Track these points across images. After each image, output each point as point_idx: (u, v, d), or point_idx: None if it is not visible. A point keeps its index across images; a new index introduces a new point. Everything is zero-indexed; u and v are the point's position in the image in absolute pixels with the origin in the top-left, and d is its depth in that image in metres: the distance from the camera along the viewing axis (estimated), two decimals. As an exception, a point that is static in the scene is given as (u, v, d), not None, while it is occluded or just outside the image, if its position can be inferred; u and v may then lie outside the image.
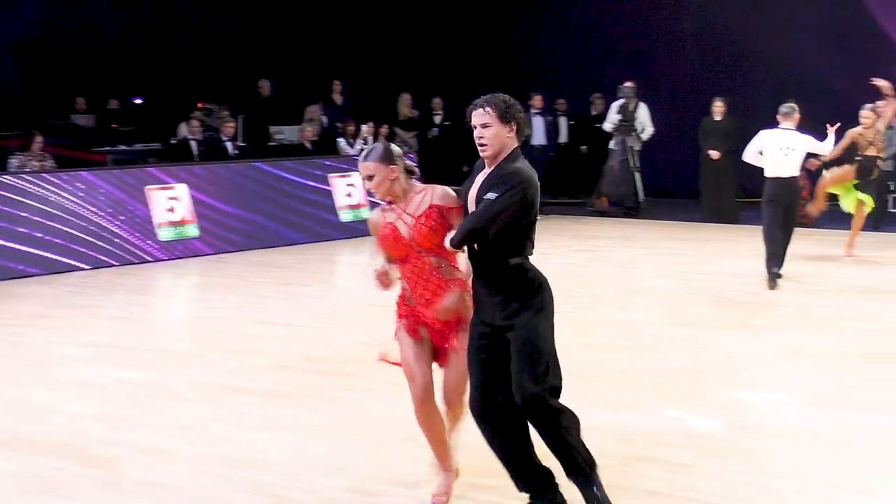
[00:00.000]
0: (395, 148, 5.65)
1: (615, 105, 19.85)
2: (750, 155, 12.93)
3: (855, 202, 14.60)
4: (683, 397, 7.84)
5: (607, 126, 19.91)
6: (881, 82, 14.49)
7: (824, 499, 6.00)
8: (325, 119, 19.97)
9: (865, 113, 14.41)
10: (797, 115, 12.69)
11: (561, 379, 5.39)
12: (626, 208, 19.99)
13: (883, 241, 16.03)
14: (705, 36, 21.50)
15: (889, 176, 16.39)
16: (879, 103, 15.04)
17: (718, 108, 18.85)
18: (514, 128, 5.40)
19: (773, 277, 12.22)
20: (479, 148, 5.40)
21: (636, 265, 14.18)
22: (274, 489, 6.08)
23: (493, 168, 5.38)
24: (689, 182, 19.90)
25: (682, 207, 19.95)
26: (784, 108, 12.78)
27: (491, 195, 5.22)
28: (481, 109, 5.38)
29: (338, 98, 20.53)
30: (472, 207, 5.43)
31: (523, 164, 5.39)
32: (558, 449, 5.38)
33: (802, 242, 13.59)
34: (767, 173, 12.59)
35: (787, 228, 12.69)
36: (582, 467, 5.39)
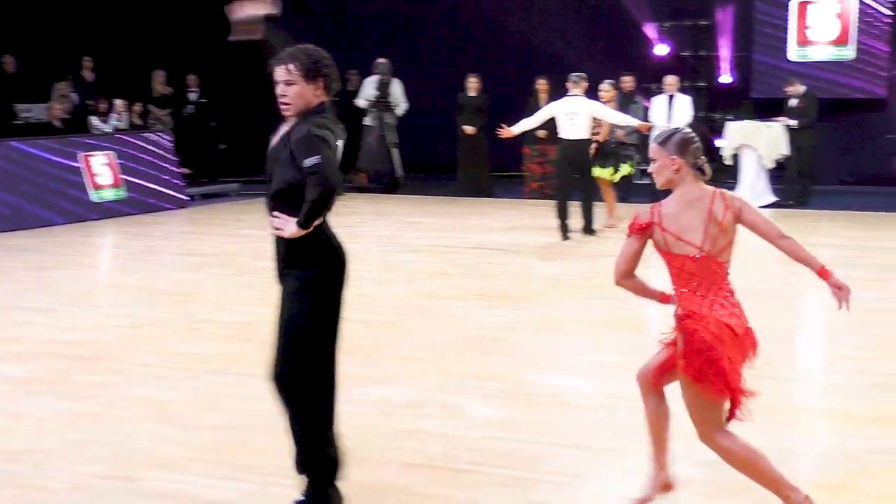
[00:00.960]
0: (692, 138, 4.98)
1: (370, 81, 19.93)
2: (528, 121, 14.20)
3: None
4: (442, 370, 7.85)
5: (362, 102, 19.96)
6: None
7: (573, 460, 6.05)
8: (75, 96, 19.31)
9: (605, 87, 15.06)
10: (584, 84, 14.00)
11: (314, 362, 5.09)
12: (385, 184, 20.17)
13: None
14: (460, 13, 21.90)
15: (633, 149, 17.02)
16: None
17: (473, 84, 19.20)
18: (322, 84, 5.14)
19: (563, 230, 13.83)
20: (281, 107, 5.18)
21: (394, 240, 14.26)
22: (26, 479, 5.73)
23: (297, 123, 5.12)
24: (446, 157, 20.17)
25: (440, 182, 20.22)
26: (573, 76, 14.07)
27: (311, 161, 4.88)
28: (283, 67, 5.13)
29: (88, 75, 19.82)
30: (268, 165, 5.26)
31: (327, 123, 5.10)
32: (294, 439, 5.12)
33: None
34: (560, 136, 14.06)
35: (585, 189, 14.18)
36: (311, 467, 5.12)
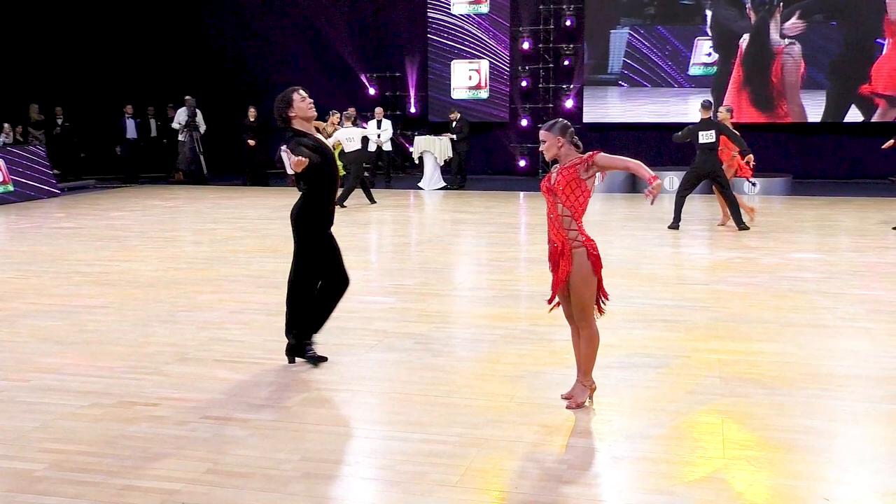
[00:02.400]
0: (564, 124, 4.69)
1: (181, 111, 19.74)
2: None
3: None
4: (237, 298, 7.75)
5: (176, 125, 19.83)
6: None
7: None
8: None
9: (333, 116, 15.77)
10: (351, 115, 15.46)
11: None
12: (196, 179, 19.77)
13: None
14: (246, 62, 21.57)
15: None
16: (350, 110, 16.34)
17: (252, 113, 19.02)
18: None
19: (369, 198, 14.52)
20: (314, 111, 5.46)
21: (203, 216, 14.01)
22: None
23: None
24: (238, 161, 19.99)
25: (233, 178, 19.96)
26: (347, 114, 15.45)
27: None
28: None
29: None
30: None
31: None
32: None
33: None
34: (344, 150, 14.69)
35: (347, 177, 14.77)
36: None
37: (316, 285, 5.51)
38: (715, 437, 4.33)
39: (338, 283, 5.54)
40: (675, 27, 19.43)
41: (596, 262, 4.63)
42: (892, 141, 12.04)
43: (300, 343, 5.53)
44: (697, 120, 11.79)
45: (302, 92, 5.39)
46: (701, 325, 6.53)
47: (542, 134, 4.71)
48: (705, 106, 11.84)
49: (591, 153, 4.60)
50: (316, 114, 5.45)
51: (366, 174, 16.09)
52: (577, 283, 4.61)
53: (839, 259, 9.73)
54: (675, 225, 11.88)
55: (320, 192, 5.38)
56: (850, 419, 4.57)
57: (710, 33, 19.21)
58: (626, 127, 19.64)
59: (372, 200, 15.24)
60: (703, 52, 19.34)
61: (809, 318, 6.78)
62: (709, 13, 19.23)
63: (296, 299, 5.47)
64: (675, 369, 4.94)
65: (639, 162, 4.58)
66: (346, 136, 14.68)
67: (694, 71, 19.41)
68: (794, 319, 6.75)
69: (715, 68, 19.19)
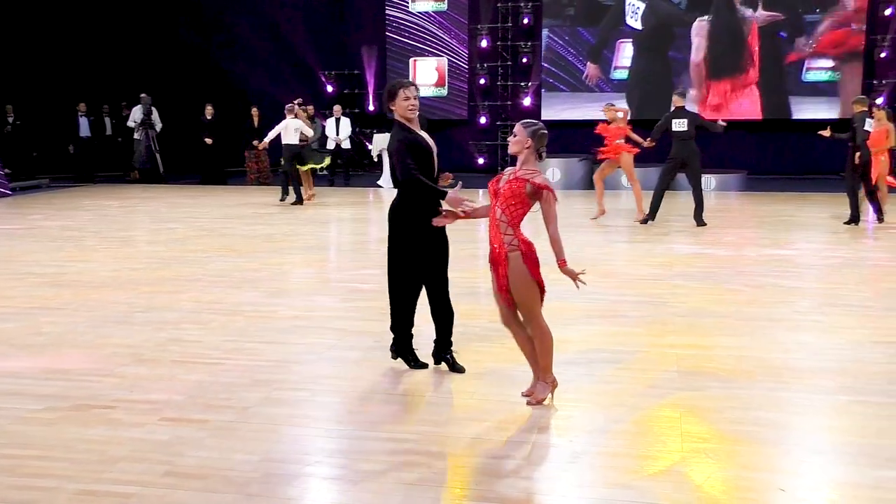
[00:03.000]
0: (542, 132, 4.66)
1: (136, 109, 19.49)
2: (270, 135, 15.11)
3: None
4: (196, 297, 7.65)
5: (131, 123, 19.58)
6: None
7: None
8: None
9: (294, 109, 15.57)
10: (297, 110, 15.22)
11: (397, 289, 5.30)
12: (153, 178, 19.52)
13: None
14: (197, 63, 21.32)
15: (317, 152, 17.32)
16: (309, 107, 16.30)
17: (209, 111, 18.89)
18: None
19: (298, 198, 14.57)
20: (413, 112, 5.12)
21: (159, 215, 13.84)
22: None
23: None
24: (195, 159, 19.77)
25: (190, 176, 19.72)
26: (290, 107, 15.06)
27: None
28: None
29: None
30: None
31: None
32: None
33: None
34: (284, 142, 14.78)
35: (287, 171, 14.99)
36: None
37: (408, 284, 5.32)
38: (674, 430, 4.36)
39: (435, 284, 5.29)
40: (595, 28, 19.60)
41: (532, 265, 4.60)
42: (828, 130, 12.20)
43: (402, 347, 5.44)
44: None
45: (410, 91, 5.13)
46: (659, 321, 6.59)
47: (517, 127, 4.71)
48: (680, 94, 12.00)
49: (546, 187, 4.58)
50: (414, 116, 5.14)
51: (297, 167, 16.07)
52: (516, 286, 4.62)
53: (794, 253, 9.88)
54: (649, 219, 11.92)
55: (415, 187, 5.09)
56: (805, 411, 4.64)
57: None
58: (584, 125, 19.79)
59: (284, 196, 15.23)
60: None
61: (765, 312, 6.87)
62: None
63: (391, 297, 5.40)
64: (633, 364, 4.97)
65: (560, 242, 4.58)
66: (293, 127, 14.89)
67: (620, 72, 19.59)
68: (750, 313, 6.83)
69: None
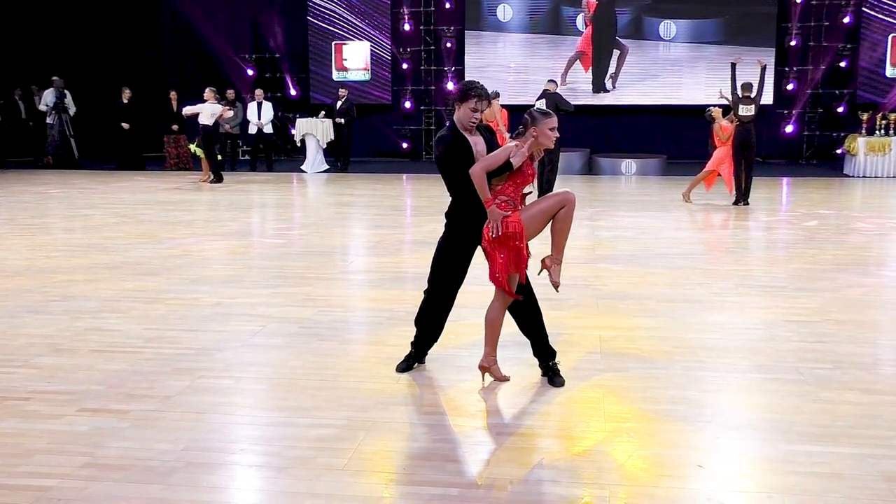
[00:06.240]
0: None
1: (48, 92, 18.89)
2: (192, 109, 15.70)
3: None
4: (116, 285, 7.52)
5: (43, 107, 19.00)
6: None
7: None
8: None
9: (207, 94, 16.03)
10: (212, 94, 15.80)
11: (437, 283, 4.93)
12: (67, 164, 18.96)
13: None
14: (115, 43, 20.74)
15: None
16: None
17: (126, 94, 18.44)
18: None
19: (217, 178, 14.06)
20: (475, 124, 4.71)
21: (73, 201, 13.45)
22: None
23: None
24: (110, 144, 19.24)
25: (105, 162, 19.17)
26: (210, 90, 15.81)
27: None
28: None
29: None
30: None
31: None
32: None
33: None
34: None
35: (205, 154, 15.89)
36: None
37: (452, 289, 5.00)
38: (597, 410, 4.45)
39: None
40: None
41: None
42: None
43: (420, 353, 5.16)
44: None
45: (482, 105, 4.70)
46: (582, 303, 6.70)
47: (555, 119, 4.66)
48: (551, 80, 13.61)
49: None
50: (472, 127, 4.74)
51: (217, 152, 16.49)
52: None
53: (711, 236, 10.14)
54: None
55: (467, 188, 4.68)
56: (721, 389, 4.79)
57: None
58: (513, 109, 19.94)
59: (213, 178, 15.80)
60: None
61: (683, 294, 7.05)
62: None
63: (431, 308, 5.04)
64: (558, 346, 5.04)
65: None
66: (210, 112, 15.42)
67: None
68: (669, 295, 7.00)
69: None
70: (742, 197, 12.55)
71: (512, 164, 4.55)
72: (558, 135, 4.78)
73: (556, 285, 4.81)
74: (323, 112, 18.55)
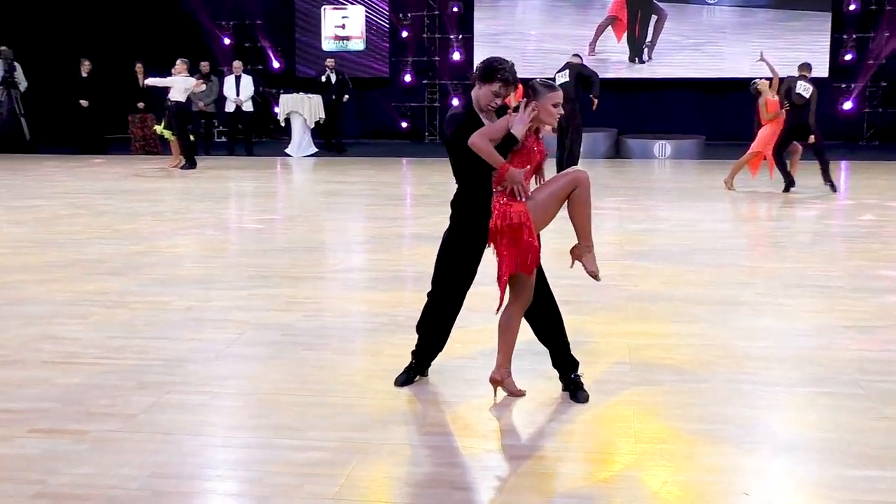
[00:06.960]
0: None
1: None
2: (155, 81, 15.97)
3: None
4: (74, 286, 7.55)
5: None
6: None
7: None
8: None
9: (178, 65, 16.09)
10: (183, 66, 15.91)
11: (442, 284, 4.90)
12: (17, 146, 19.01)
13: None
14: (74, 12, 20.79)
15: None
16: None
17: (85, 66, 18.55)
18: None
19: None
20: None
21: (22, 190, 13.48)
22: None
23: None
24: (67, 124, 19.26)
25: (60, 145, 19.21)
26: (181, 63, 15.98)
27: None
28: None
29: None
30: None
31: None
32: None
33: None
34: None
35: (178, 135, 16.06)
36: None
37: (459, 290, 4.96)
38: (626, 430, 4.43)
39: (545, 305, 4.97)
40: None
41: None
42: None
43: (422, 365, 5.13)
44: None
45: (507, 90, 4.65)
46: (609, 306, 6.68)
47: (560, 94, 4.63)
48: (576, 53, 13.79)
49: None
50: (490, 111, 4.67)
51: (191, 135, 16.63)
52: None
53: (756, 229, 10.10)
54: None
55: (477, 174, 4.67)
56: (768, 405, 4.76)
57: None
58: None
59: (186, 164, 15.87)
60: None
61: (725, 295, 7.02)
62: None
63: (436, 312, 5.03)
64: (581, 356, 5.02)
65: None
66: (183, 86, 15.63)
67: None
68: (708, 297, 6.97)
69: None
70: (791, 182, 12.55)
71: (517, 139, 4.49)
72: (562, 112, 4.74)
73: (593, 275, 4.79)
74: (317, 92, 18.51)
